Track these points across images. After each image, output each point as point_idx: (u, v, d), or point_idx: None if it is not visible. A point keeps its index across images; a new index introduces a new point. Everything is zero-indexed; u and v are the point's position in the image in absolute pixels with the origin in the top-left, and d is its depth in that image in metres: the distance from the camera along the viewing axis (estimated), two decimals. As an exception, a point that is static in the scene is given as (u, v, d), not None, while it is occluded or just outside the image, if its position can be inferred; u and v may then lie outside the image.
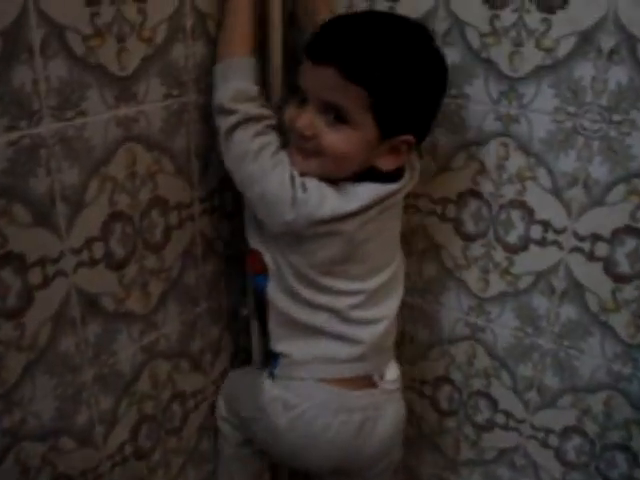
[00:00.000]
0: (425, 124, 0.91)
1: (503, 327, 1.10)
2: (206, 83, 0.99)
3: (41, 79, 0.77)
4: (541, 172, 0.98)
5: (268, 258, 0.95)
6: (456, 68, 0.99)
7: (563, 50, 0.91)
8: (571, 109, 0.93)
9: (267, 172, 0.88)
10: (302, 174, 0.88)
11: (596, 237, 0.97)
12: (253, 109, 0.91)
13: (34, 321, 0.85)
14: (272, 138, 0.92)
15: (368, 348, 0.98)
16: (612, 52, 0.88)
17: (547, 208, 0.99)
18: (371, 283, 0.95)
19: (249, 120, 0.90)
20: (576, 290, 1.01)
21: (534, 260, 1.03)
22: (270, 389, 1.01)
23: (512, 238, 1.04)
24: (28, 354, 0.85)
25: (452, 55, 0.99)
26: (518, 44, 0.94)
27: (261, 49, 1.00)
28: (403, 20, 0.89)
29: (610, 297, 0.99)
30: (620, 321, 0.99)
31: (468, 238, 1.08)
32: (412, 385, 1.24)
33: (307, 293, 0.94)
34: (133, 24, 0.86)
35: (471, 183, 1.04)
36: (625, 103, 0.89)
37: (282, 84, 1.02)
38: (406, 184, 0.94)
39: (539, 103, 0.95)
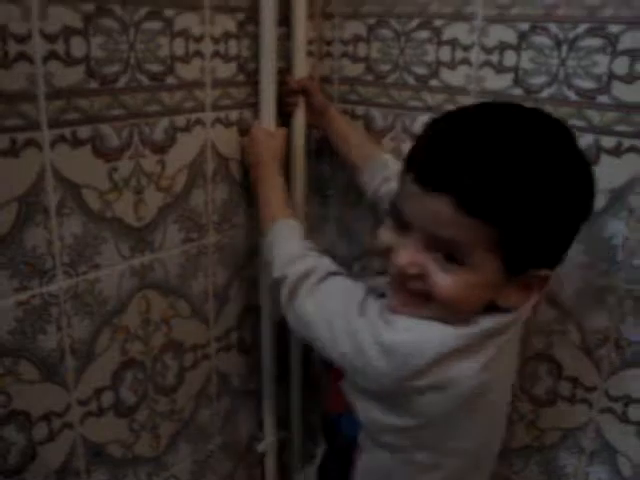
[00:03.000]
0: (562, 252, 0.71)
1: (528, 480, 1.04)
2: (228, 223, 0.98)
3: (55, 239, 0.77)
4: (570, 327, 0.94)
5: None
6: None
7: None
8: (603, 266, 0.89)
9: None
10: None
11: (629, 399, 0.91)
12: (302, 265, 0.79)
13: (36, 477, 0.82)
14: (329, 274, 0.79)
15: None
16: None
17: (576, 364, 0.94)
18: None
19: (302, 278, 0.79)
20: (607, 452, 0.95)
21: (562, 416, 0.98)
22: None
23: (539, 391, 0.99)
24: (28, 510, 0.83)
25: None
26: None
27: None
28: (537, 120, 0.67)
29: (645, 462, 0.93)
30: (655, 488, 0.93)
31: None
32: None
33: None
34: (151, 175, 0.86)
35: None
36: (660, 265, 0.85)
37: (304, 216, 1.02)
38: (522, 312, 0.74)
39: (567, 257, 0.91)
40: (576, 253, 0.90)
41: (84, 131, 0.77)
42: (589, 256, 0.90)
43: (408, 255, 0.67)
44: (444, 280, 0.65)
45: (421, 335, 0.68)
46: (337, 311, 0.74)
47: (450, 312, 0.67)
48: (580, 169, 0.66)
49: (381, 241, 0.71)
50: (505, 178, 0.61)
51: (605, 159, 0.86)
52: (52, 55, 0.72)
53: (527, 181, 0.62)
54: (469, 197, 0.62)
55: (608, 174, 0.86)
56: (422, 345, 0.67)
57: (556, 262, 0.71)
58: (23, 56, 0.70)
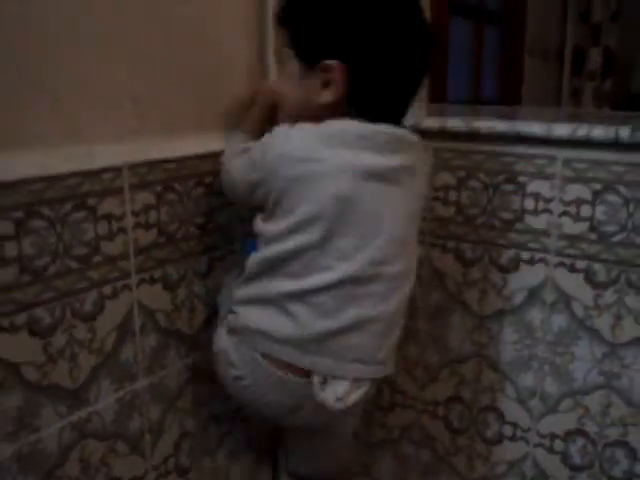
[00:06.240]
0: (354, 46, 0.89)
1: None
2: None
3: (139, 351, 1.08)
4: (507, 386, 1.28)
5: None
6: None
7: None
8: (527, 341, 1.24)
9: None
10: None
11: (553, 435, 1.26)
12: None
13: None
14: None
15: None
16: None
17: (514, 412, 1.29)
18: None
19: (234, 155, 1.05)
20: (541, 477, 1.29)
21: (507, 451, 1.32)
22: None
23: (489, 434, 1.33)
24: None
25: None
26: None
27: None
28: None
29: (568, 483, 1.27)
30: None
31: (454, 432, 1.37)
32: None
33: None
34: (200, 296, 1.18)
35: (453, 391, 1.34)
36: None
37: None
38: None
39: (501, 336, 1.26)
40: (508, 333, 1.25)
41: (158, 272, 1.09)
42: (517, 335, 1.24)
43: None
44: None
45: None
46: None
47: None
48: None
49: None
50: None
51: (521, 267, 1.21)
52: (138, 225, 1.04)
53: None
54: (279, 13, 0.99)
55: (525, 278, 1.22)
56: None
57: (346, 55, 0.89)
58: (121, 230, 1.01)
